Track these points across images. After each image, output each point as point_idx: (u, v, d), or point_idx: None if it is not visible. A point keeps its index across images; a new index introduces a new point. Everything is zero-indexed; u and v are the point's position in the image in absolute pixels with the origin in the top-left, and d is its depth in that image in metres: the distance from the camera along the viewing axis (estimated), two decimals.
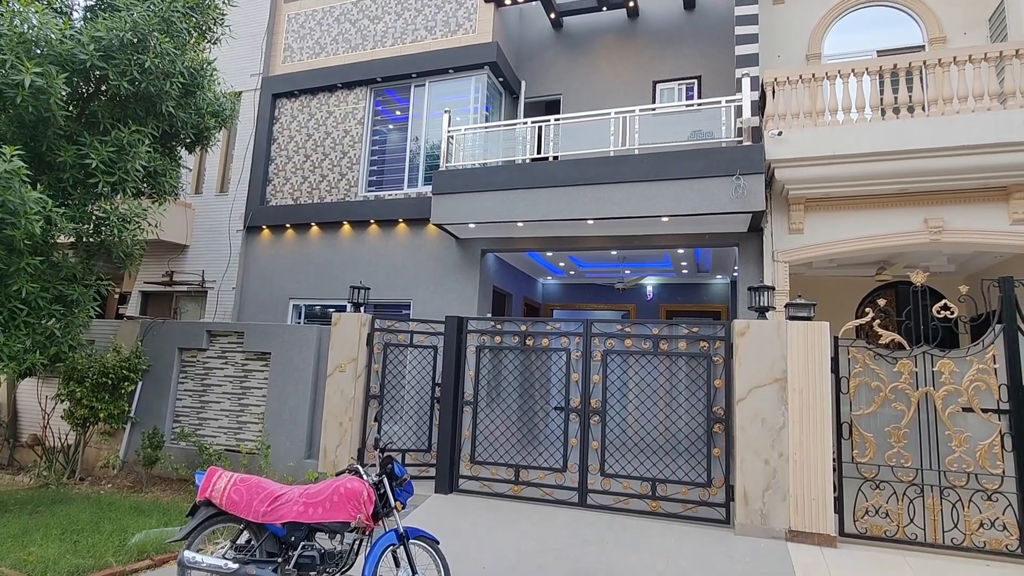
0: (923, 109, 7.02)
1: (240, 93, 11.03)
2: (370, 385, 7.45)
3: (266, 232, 10.65)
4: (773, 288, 6.27)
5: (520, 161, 8.57)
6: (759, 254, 7.97)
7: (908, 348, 5.72)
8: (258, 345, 8.02)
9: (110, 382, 7.80)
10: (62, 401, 7.94)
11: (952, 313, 5.50)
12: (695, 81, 9.93)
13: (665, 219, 7.93)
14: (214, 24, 7.05)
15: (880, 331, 5.89)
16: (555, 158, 8.53)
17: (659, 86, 10.10)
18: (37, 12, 5.36)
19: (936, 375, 5.53)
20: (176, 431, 8.23)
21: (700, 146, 7.76)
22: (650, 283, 12.12)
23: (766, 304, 6.20)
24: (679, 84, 10.01)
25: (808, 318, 6.02)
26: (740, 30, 8.36)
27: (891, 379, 5.69)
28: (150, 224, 7.24)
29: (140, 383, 8.29)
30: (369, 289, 7.82)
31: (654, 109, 8.12)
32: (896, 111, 7.10)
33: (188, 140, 7.63)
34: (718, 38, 9.90)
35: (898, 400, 5.65)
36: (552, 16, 10.70)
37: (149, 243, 9.67)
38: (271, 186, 10.86)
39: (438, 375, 7.61)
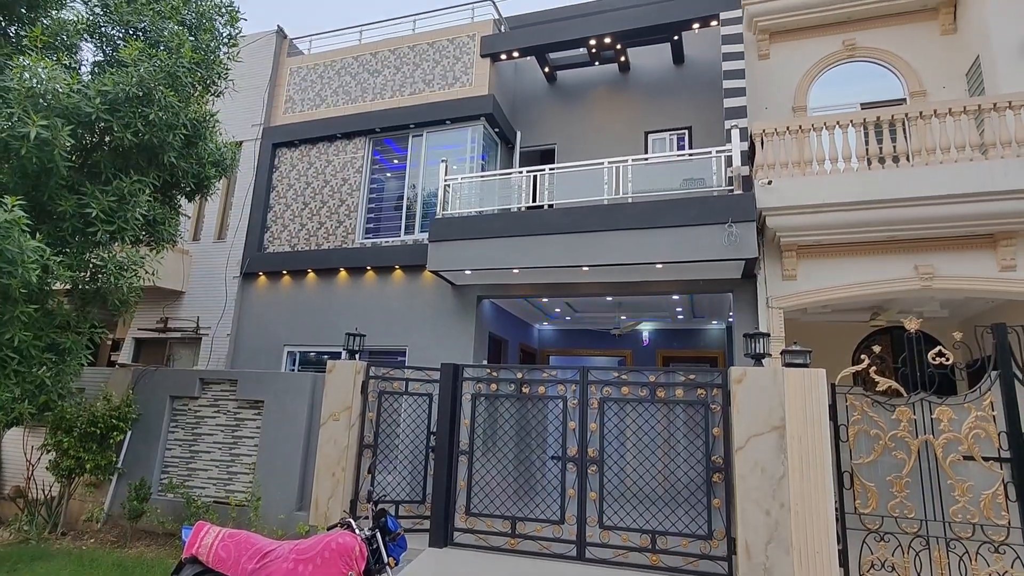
0: (907, 159, 7.22)
1: (241, 143, 11.25)
2: (364, 434, 7.34)
3: (263, 279, 10.67)
4: (768, 335, 6.28)
5: (516, 209, 8.70)
6: (754, 300, 8.02)
7: (906, 395, 5.71)
8: (251, 393, 7.93)
9: (99, 432, 7.66)
10: (48, 452, 7.76)
11: (948, 360, 5.51)
12: (686, 131, 10.21)
13: (659, 266, 8.01)
14: (218, 78, 7.26)
15: (877, 378, 5.87)
16: (550, 206, 8.68)
17: (651, 136, 10.38)
18: (47, 68, 5.52)
19: (935, 422, 5.50)
20: (164, 482, 8.03)
21: (692, 194, 7.92)
22: (646, 328, 12.13)
23: (762, 351, 6.20)
24: (670, 134, 10.29)
25: (804, 365, 6.01)
26: (728, 84, 8.66)
27: (890, 427, 5.65)
28: (147, 272, 7.26)
29: (129, 432, 8.14)
30: (364, 336, 7.80)
31: (647, 159, 8.32)
32: (881, 161, 7.30)
33: (188, 189, 7.74)
34: (707, 90, 10.24)
35: (898, 448, 5.60)
36: (546, 70, 11.07)
37: (144, 289, 9.67)
38: (269, 233, 10.95)
39: (433, 424, 7.51)
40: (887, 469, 5.60)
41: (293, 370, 10.14)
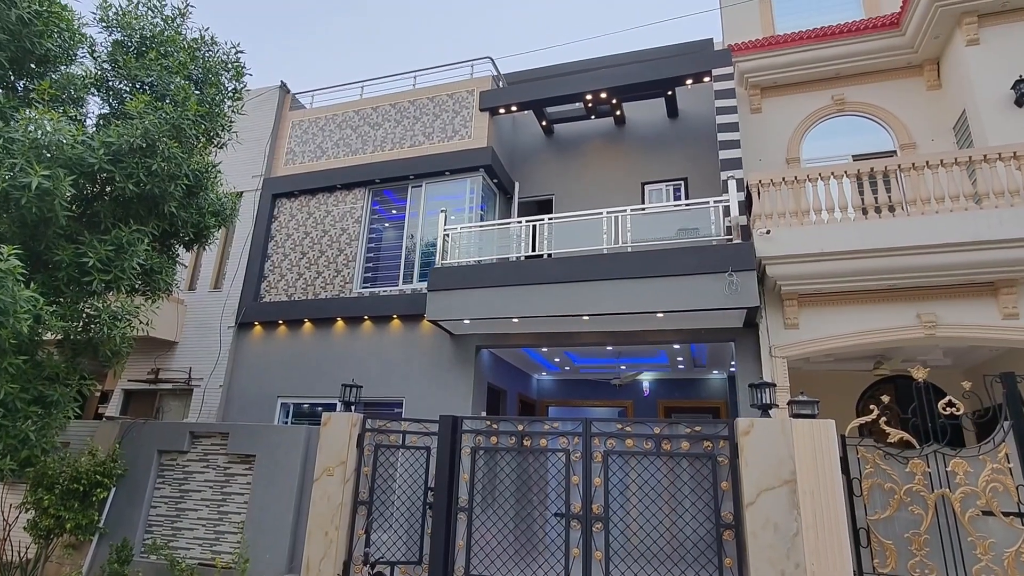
0: (904, 209, 7.30)
1: (241, 193, 11.32)
2: (359, 490, 7.06)
3: (258, 328, 10.54)
4: (774, 385, 6.17)
5: (514, 259, 8.70)
6: (756, 350, 7.94)
7: (918, 447, 5.57)
8: (243, 447, 7.67)
9: (82, 488, 7.35)
10: (27, 510, 7.42)
11: (958, 410, 5.41)
12: (682, 182, 10.37)
13: (660, 315, 7.96)
14: (222, 130, 7.36)
15: (888, 429, 5.74)
16: (549, 256, 8.69)
17: (647, 187, 10.53)
18: (52, 120, 5.57)
19: (950, 475, 5.34)
20: (147, 543, 7.65)
21: (692, 244, 7.95)
22: (646, 379, 11.97)
23: (768, 401, 6.08)
24: (667, 185, 10.44)
25: (812, 415, 5.88)
26: (723, 136, 8.85)
27: (904, 480, 5.49)
28: (142, 322, 7.14)
29: (114, 489, 7.82)
30: (361, 387, 7.62)
31: (645, 209, 8.40)
32: (878, 211, 7.38)
33: (187, 238, 7.72)
34: (702, 143, 10.47)
35: (914, 503, 5.42)
36: (544, 124, 11.33)
37: (137, 340, 9.53)
38: (266, 282, 10.89)
39: (431, 479, 7.25)
40: (904, 525, 5.40)
41: (286, 422, 9.88)
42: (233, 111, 7.72)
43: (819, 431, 5.68)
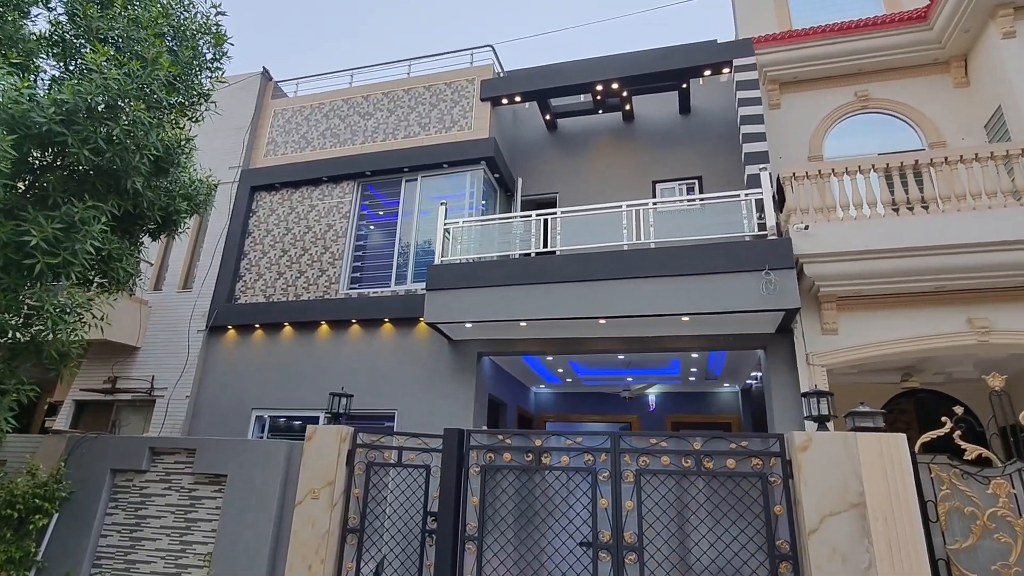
0: (950, 203, 6.72)
1: (217, 185, 10.32)
2: (348, 515, 6.10)
3: (231, 333, 9.50)
4: (831, 394, 5.45)
5: (522, 255, 7.90)
6: (790, 358, 7.24)
7: (1000, 464, 4.88)
8: (212, 465, 6.63)
9: (17, 515, 6.22)
10: None
11: None
12: (696, 181, 9.74)
13: (685, 319, 7.24)
14: (198, 101, 6.42)
15: (964, 444, 5.04)
16: (560, 253, 7.91)
17: (659, 185, 9.87)
18: None
19: None
20: None
21: (721, 240, 7.25)
22: (652, 392, 11.21)
23: (826, 412, 5.35)
24: (679, 184, 9.80)
25: (878, 428, 5.17)
26: (746, 129, 8.26)
27: (987, 503, 4.77)
28: (94, 317, 6.10)
29: (56, 515, 6.68)
30: (352, 396, 6.69)
31: (668, 202, 7.69)
32: (925, 206, 6.79)
33: (154, 225, 6.73)
34: (716, 141, 9.88)
35: (1000, 530, 4.70)
36: (547, 118, 10.63)
37: (92, 344, 8.43)
38: (242, 283, 9.87)
39: (431, 502, 6.33)
40: (990, 555, 4.68)
41: (261, 437, 8.82)
42: (212, 81, 6.81)
43: (889, 447, 4.96)
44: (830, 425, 5.40)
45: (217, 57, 6.83)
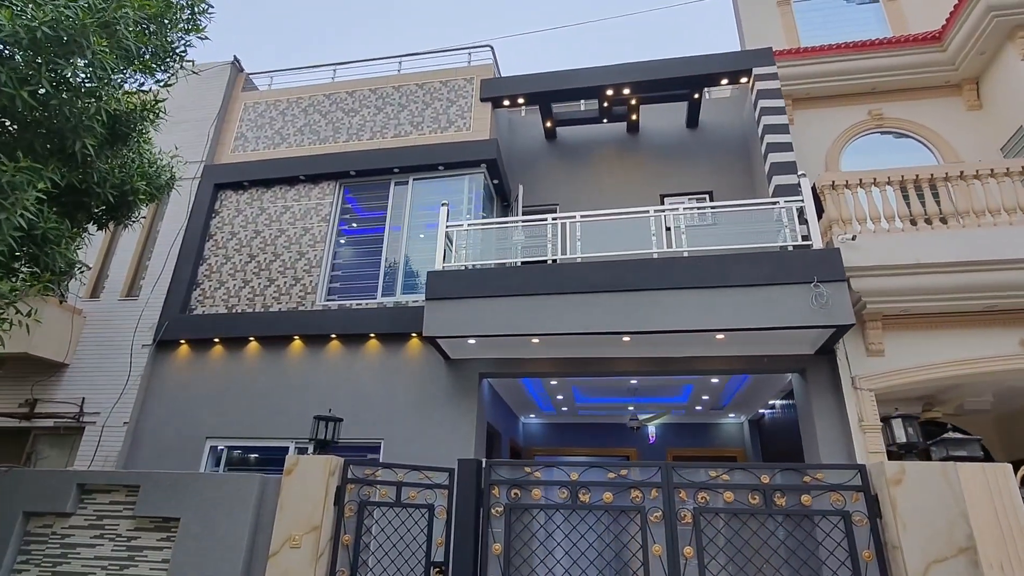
0: (1001, 216, 6.33)
1: (184, 164, 9.04)
2: (336, 568, 4.91)
3: (184, 348, 8.12)
4: (917, 417, 4.77)
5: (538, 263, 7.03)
6: (831, 381, 6.58)
7: None
8: (161, 506, 5.30)
9: None
10: None
11: None
12: (707, 196, 9.21)
13: (720, 336, 6.51)
14: (171, 58, 5.33)
15: None
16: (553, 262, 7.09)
17: (668, 200, 9.27)
18: None
19: None
20: None
21: (754, 249, 6.59)
22: (653, 424, 10.38)
23: (915, 438, 4.66)
24: (689, 198, 9.23)
25: (975, 458, 4.50)
26: (771, 139, 7.81)
27: None
28: (19, 313, 4.78)
29: None
30: (341, 420, 5.58)
31: (701, 208, 7.03)
32: (979, 218, 6.35)
33: (103, 207, 5.51)
34: (727, 154, 9.44)
35: None
36: (548, 125, 9.96)
37: (7, 358, 6.96)
38: (200, 291, 8.55)
39: (435, 549, 5.22)
40: None
41: (216, 471, 7.42)
42: (186, 45, 5.73)
43: (996, 479, 4.25)
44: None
45: (195, 17, 5.78)
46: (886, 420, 4.92)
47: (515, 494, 5.03)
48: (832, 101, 9.03)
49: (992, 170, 6.34)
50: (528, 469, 5.17)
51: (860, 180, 6.64)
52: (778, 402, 8.47)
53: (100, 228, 6.03)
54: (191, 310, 8.43)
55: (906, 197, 6.67)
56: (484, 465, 5.12)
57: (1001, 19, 7.76)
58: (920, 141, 8.65)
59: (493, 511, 4.97)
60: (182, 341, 8.10)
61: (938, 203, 6.53)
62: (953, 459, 4.58)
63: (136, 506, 5.34)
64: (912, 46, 8.66)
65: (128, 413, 7.73)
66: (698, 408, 9.84)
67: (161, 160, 6.13)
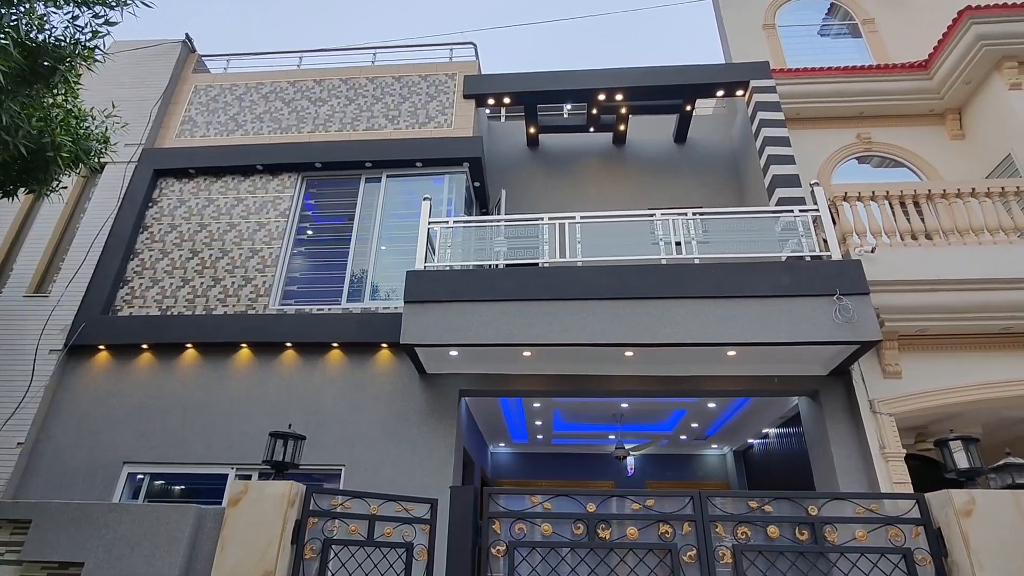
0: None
1: (104, 164, 7.85)
2: None
3: (103, 355, 6.83)
4: (977, 440, 4.25)
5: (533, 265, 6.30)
6: (846, 405, 6.08)
7: None
8: (59, 547, 4.09)
9: None
10: None
11: None
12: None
13: (731, 352, 5.93)
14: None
15: None
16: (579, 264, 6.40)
17: (658, 213, 8.77)
18: None
19: None
20: None
21: (766, 258, 6.11)
22: (632, 454, 9.65)
23: (978, 464, 4.12)
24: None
25: None
26: (772, 151, 7.50)
27: None
28: None
29: None
30: (304, 438, 4.58)
31: (710, 213, 6.51)
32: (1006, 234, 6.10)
33: (12, 163, 4.42)
34: (716, 172, 9.12)
35: None
36: (532, 130, 9.39)
37: None
38: (128, 289, 7.30)
39: None
40: None
41: (134, 503, 6.11)
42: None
43: None
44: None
45: None
46: (941, 443, 4.38)
47: (519, 529, 4.15)
48: (821, 123, 8.89)
49: (1018, 188, 6.14)
50: (535, 499, 4.31)
51: (873, 192, 6.32)
52: (773, 430, 7.94)
53: (5, 195, 4.87)
54: (115, 311, 7.16)
55: (920, 212, 6.39)
56: (480, 493, 4.23)
57: (990, 48, 7.82)
58: (908, 167, 8.57)
59: (493, 551, 4.07)
60: (101, 347, 6.81)
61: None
62: (1018, 487, 4.07)
63: (24, 547, 4.10)
64: (900, 72, 8.67)
65: (26, 432, 6.34)
66: (683, 438, 9.20)
67: (93, 119, 5.06)
